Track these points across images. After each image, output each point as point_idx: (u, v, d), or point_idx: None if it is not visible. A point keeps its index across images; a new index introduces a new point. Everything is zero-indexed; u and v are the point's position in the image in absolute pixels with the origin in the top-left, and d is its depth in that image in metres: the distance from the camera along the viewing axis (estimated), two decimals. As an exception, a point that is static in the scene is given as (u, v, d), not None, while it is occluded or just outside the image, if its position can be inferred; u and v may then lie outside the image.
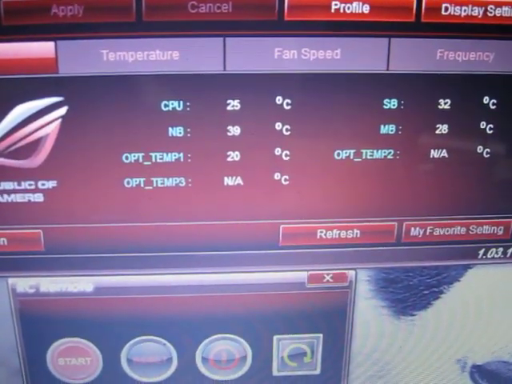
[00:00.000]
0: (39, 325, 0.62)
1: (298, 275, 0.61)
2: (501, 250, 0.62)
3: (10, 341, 0.62)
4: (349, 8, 0.52)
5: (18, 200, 0.56)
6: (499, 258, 0.62)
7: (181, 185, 0.57)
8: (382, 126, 0.56)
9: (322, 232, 0.59)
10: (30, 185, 0.56)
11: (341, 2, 0.52)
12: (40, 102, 0.53)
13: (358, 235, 0.60)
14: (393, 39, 0.54)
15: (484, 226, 0.60)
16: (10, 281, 0.60)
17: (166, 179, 0.56)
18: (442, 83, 0.55)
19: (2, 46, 0.52)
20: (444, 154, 0.57)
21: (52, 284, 0.60)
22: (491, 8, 0.53)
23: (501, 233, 0.61)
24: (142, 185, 0.56)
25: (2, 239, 0.58)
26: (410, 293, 0.63)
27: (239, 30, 0.53)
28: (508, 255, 0.62)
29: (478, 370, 0.66)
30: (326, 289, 0.62)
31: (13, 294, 0.60)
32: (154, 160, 0.56)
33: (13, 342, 0.62)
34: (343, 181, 0.58)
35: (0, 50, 0.52)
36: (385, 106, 0.56)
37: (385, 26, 0.53)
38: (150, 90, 0.54)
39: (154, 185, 0.57)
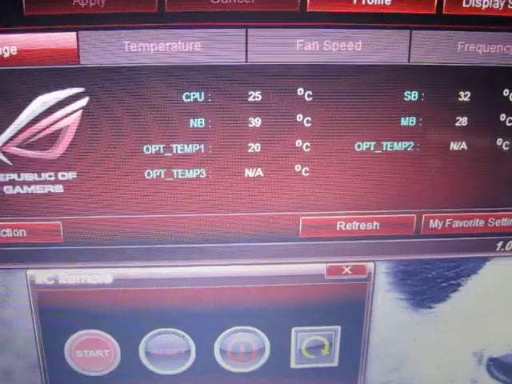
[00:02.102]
0: (57, 317, 0.62)
1: (317, 267, 0.61)
2: (519, 242, 0.62)
3: (29, 333, 0.62)
4: (370, 0, 0.52)
5: (38, 191, 0.56)
6: (517, 250, 0.62)
7: (201, 176, 0.57)
8: (403, 119, 0.56)
9: (341, 224, 0.59)
10: (49, 176, 0.56)
11: (363, -6, 0.52)
12: (61, 93, 0.54)
13: (378, 227, 0.60)
14: (414, 31, 0.54)
15: (502, 219, 0.61)
16: (29, 272, 0.60)
17: (186, 171, 0.56)
18: (463, 75, 0.56)
19: (24, 37, 0.52)
20: (463, 146, 0.58)
21: (71, 276, 0.60)
22: (512, 0, 0.53)
23: (519, 225, 0.61)
24: (163, 176, 0.56)
25: (21, 230, 0.58)
26: (428, 285, 0.63)
27: (261, 21, 0.53)
28: (526, 248, 0.62)
29: (494, 363, 0.67)
30: (345, 281, 0.62)
31: (31, 286, 0.60)
32: (174, 151, 0.56)
33: (31, 334, 0.62)
34: (363, 173, 0.58)
35: (21, 40, 0.52)
36: (405, 99, 0.56)
37: (406, 18, 0.53)
38: (172, 81, 0.54)
39: (175, 176, 0.57)
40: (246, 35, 0.53)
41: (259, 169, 0.57)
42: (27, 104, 0.53)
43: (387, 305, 0.63)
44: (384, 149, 0.57)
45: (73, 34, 0.52)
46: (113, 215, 0.58)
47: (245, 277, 0.61)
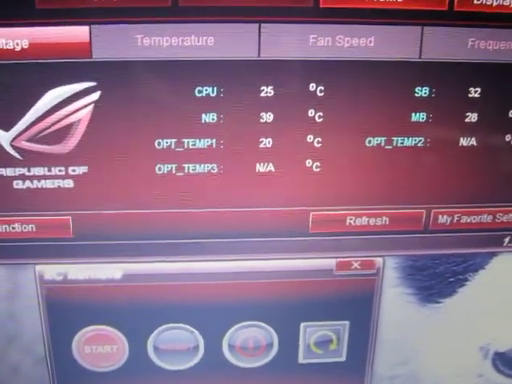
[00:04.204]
0: (66, 312, 0.61)
1: (327, 262, 0.62)
2: (526, 238, 0.62)
3: (36, 328, 0.61)
4: (383, -4, 0.53)
5: (48, 186, 0.56)
6: (524, 245, 0.63)
7: (212, 171, 0.57)
8: (414, 114, 0.57)
9: (351, 219, 0.60)
10: (60, 171, 0.56)
11: (376, -10, 0.52)
12: (73, 87, 0.53)
13: (387, 222, 0.60)
14: (426, 28, 0.54)
15: (510, 214, 0.61)
16: (38, 268, 0.59)
17: (197, 165, 0.56)
18: (473, 72, 0.56)
19: (36, 30, 0.51)
20: (473, 142, 0.58)
21: (80, 271, 0.60)
22: (523, -3, 0.54)
23: (527, 221, 0.62)
24: (174, 171, 0.56)
25: (30, 226, 0.57)
26: (435, 280, 0.63)
27: (275, 16, 0.52)
28: (533, 243, 0.63)
29: (499, 357, 0.67)
30: (354, 276, 0.62)
31: (40, 282, 0.60)
32: (186, 146, 0.56)
33: (39, 330, 0.62)
34: (373, 168, 0.58)
35: (34, 33, 0.51)
36: (416, 94, 0.56)
37: (418, 14, 0.53)
38: (184, 76, 0.54)
39: (186, 171, 0.56)
40: (259, 30, 0.53)
41: (270, 164, 0.57)
42: (38, 98, 0.53)
43: (395, 300, 0.64)
44: (394, 144, 0.57)
45: (85, 28, 0.51)
46: (123, 210, 0.57)
47: (254, 272, 0.61)
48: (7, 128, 0.54)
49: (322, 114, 0.56)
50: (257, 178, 0.57)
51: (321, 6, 0.52)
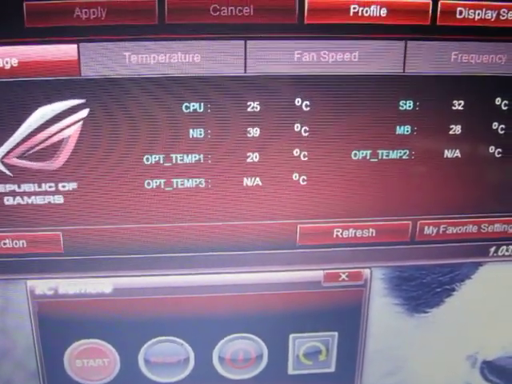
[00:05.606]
0: (57, 326, 0.62)
1: (315, 274, 0.62)
2: (511, 247, 0.63)
3: (28, 343, 0.62)
4: (367, 11, 0.53)
5: (38, 202, 0.57)
6: (509, 255, 0.63)
7: (200, 186, 0.57)
8: (398, 127, 0.57)
9: (338, 231, 0.60)
10: (50, 187, 0.56)
11: (359, 6, 0.53)
12: (61, 105, 0.54)
13: (374, 234, 0.61)
14: (409, 42, 0.55)
15: (495, 225, 0.62)
16: (29, 283, 0.60)
17: (186, 180, 0.57)
18: (456, 85, 0.57)
19: (25, 49, 0.52)
20: (457, 154, 0.59)
21: (71, 286, 0.60)
22: (504, 12, 0.54)
23: (511, 231, 0.62)
24: (163, 186, 0.57)
25: (21, 241, 0.58)
26: (423, 290, 0.64)
27: (260, 33, 0.53)
28: (518, 253, 0.64)
29: (487, 366, 0.68)
30: (342, 287, 0.63)
31: (31, 297, 0.60)
32: (174, 161, 0.56)
33: (30, 344, 0.62)
34: (360, 181, 0.59)
35: (22, 52, 0.52)
36: (401, 108, 0.57)
37: (401, 29, 0.54)
38: (172, 92, 0.54)
39: (174, 186, 0.57)
40: (245, 47, 0.54)
41: (257, 178, 0.58)
42: (28, 115, 0.54)
43: (383, 310, 0.64)
44: (380, 157, 0.58)
45: (74, 46, 0.52)
46: (113, 225, 0.58)
47: (243, 284, 0.62)
48: (-3, 145, 0.54)
49: (307, 128, 0.56)
50: (244, 192, 0.58)
51: (305, 22, 0.53)
